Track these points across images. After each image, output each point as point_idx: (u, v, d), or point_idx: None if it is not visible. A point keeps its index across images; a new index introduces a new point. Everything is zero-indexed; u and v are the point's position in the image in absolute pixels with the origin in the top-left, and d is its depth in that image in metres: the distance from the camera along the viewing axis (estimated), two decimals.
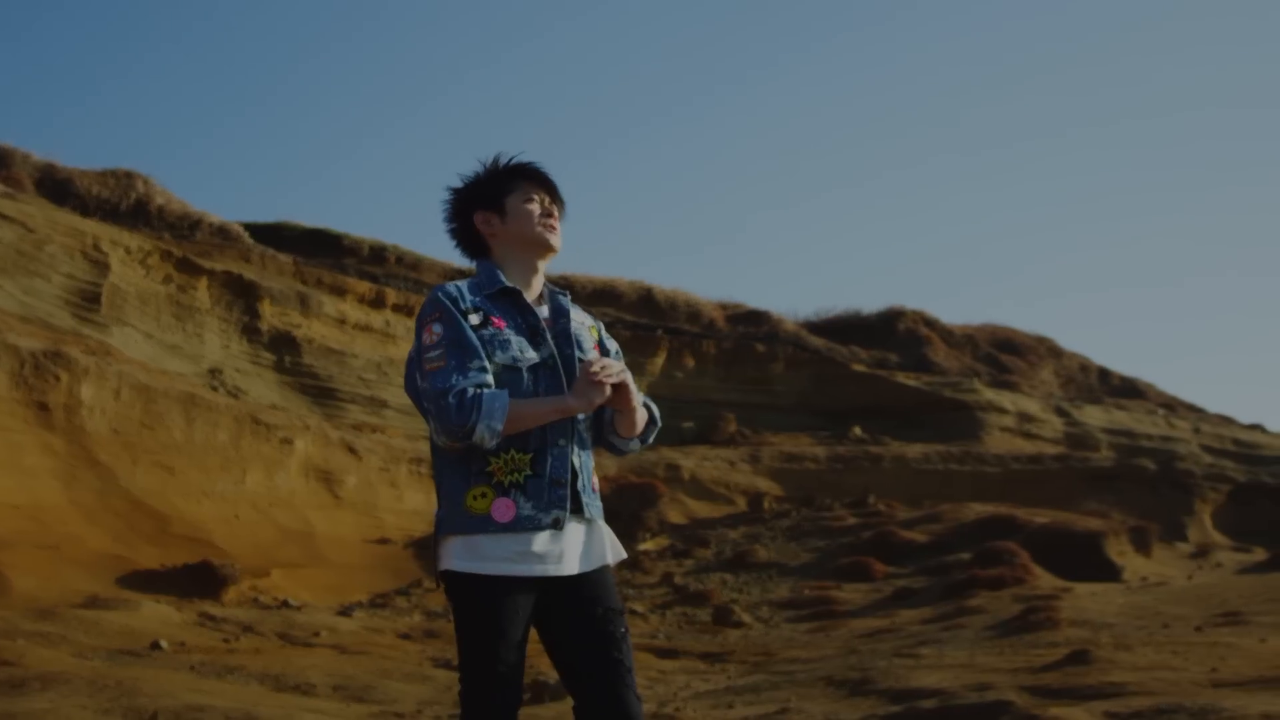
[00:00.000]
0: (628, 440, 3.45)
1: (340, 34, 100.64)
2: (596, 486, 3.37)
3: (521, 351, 3.21)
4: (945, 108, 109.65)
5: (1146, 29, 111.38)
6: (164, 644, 11.98)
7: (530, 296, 3.37)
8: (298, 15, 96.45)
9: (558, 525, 3.15)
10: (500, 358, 3.18)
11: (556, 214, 3.43)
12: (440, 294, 3.23)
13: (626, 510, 23.84)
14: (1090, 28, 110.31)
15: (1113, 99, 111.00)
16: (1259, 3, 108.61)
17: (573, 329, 3.36)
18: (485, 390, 3.09)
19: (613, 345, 3.52)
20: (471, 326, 3.18)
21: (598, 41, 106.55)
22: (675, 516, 26.36)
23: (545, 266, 3.44)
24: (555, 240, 3.40)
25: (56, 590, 14.26)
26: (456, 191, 3.47)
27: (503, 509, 3.13)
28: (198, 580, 16.19)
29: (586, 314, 3.52)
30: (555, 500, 3.17)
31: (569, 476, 3.21)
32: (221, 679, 10.47)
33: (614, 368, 3.24)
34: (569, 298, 3.47)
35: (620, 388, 3.26)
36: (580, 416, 3.28)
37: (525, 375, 3.20)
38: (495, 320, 3.23)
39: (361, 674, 11.40)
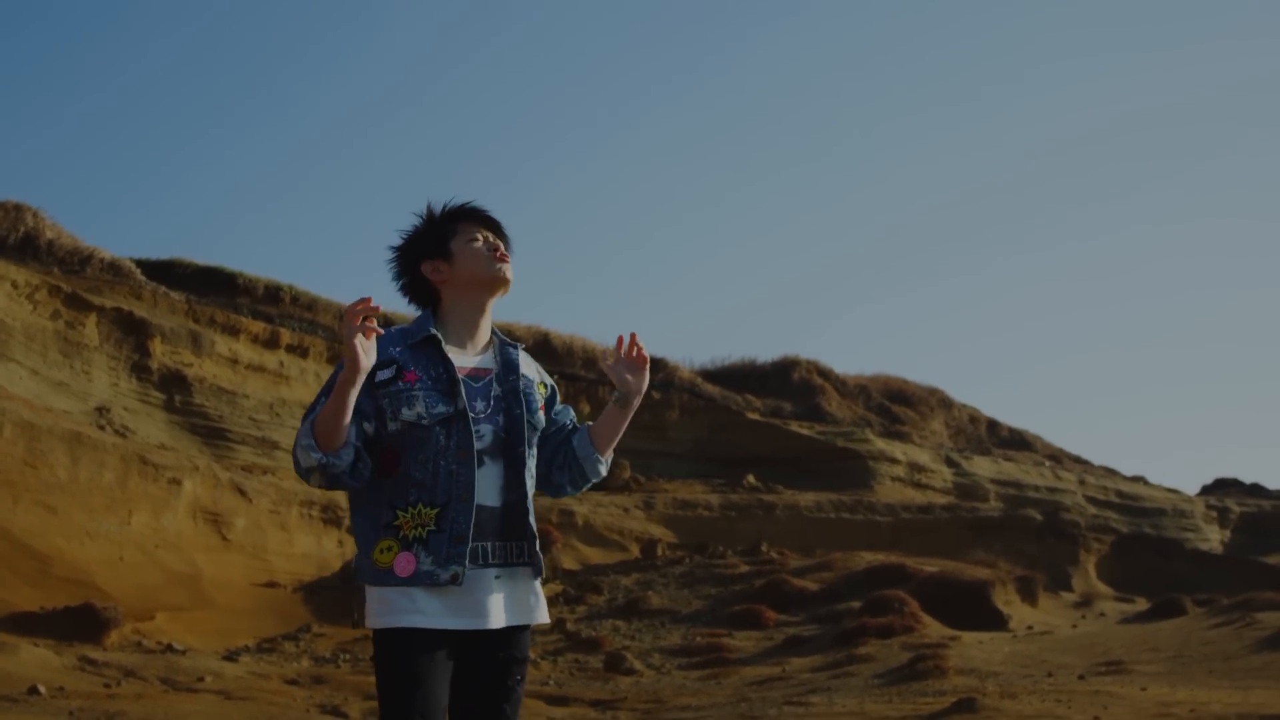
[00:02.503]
0: (597, 460, 3.41)
1: (236, 73, 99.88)
2: (534, 532, 3.27)
3: (428, 408, 3.15)
4: (839, 156, 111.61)
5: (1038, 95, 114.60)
6: (42, 689, 11.68)
7: (477, 343, 3.33)
8: (192, 52, 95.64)
9: (455, 581, 3.08)
10: (406, 414, 3.13)
11: (503, 248, 3.38)
12: None
13: None
14: (983, 75, 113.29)
15: (1007, 149, 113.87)
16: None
17: (522, 387, 3.31)
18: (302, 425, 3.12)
19: (569, 416, 3.48)
20: (380, 380, 3.14)
21: (491, 85, 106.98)
22: (568, 563, 26.26)
23: (493, 306, 3.38)
24: (507, 272, 3.35)
25: None
26: (400, 248, 3.42)
27: (403, 563, 3.10)
28: (79, 623, 15.82)
29: (540, 371, 3.46)
30: (454, 556, 3.10)
31: (470, 531, 3.12)
32: None
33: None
34: (520, 350, 3.41)
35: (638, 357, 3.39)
36: (520, 469, 3.23)
37: (436, 430, 3.15)
38: (408, 374, 3.17)
39: None
